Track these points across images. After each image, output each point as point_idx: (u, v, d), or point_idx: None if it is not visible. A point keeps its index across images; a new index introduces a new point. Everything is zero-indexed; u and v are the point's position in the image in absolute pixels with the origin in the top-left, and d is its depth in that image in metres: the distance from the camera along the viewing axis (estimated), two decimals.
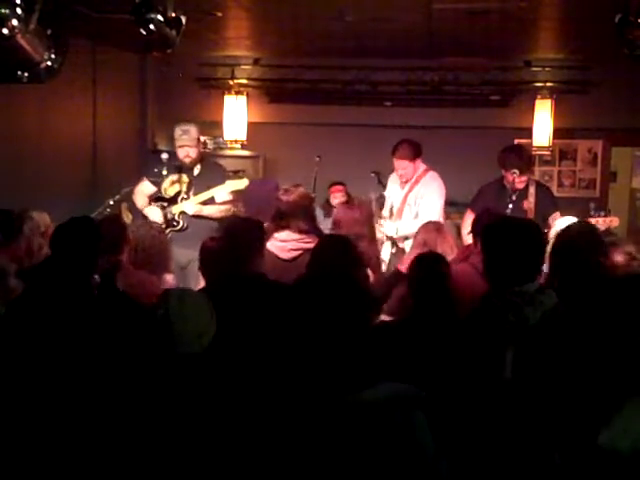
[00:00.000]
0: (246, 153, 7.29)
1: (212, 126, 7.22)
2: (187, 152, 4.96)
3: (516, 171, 4.77)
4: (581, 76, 6.73)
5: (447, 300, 2.83)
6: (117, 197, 4.95)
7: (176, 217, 4.97)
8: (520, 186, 4.85)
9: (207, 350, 2.30)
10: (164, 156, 5.13)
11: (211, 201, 4.95)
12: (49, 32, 3.86)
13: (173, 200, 5.00)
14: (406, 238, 4.72)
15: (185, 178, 5.01)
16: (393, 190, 5.09)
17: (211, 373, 2.24)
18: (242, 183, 4.90)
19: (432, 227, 3.99)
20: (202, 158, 5.14)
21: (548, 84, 6.87)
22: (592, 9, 4.55)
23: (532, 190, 4.91)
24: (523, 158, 4.84)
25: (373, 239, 4.05)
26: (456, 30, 5.51)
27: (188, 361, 2.22)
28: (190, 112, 7.47)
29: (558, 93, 6.86)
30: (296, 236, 3.70)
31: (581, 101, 6.86)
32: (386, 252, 4.86)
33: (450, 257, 3.59)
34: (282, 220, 3.74)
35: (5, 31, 3.33)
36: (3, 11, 3.28)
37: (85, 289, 2.78)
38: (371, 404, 1.72)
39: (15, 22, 3.34)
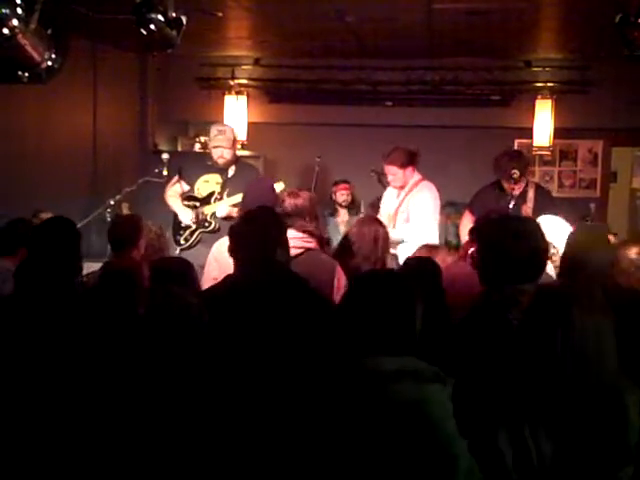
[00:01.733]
0: (246, 153, 7.29)
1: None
2: (221, 153, 4.82)
3: (516, 172, 4.75)
4: (581, 76, 6.73)
5: (437, 298, 2.84)
6: (118, 197, 4.91)
7: (208, 218, 4.85)
8: (518, 191, 4.84)
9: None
10: (165, 156, 5.09)
11: None
12: (49, 32, 3.86)
13: (206, 200, 4.88)
14: (397, 243, 4.71)
15: (219, 179, 4.90)
16: (389, 198, 5.08)
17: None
18: (277, 187, 4.72)
19: (424, 248, 3.93)
20: (237, 159, 5.01)
21: (548, 84, 6.87)
22: (592, 9, 4.56)
23: (531, 194, 4.90)
24: (520, 163, 4.83)
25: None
26: (456, 30, 5.52)
27: (201, 332, 2.28)
28: (190, 112, 7.49)
29: (558, 93, 6.86)
30: (299, 235, 3.68)
31: (581, 101, 6.86)
32: None
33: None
34: (287, 220, 3.73)
35: (5, 31, 3.33)
36: (3, 11, 3.28)
37: (67, 290, 2.76)
38: (388, 372, 1.76)
39: (15, 22, 3.35)
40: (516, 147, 7.00)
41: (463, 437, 1.78)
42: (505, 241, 2.40)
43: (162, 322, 2.31)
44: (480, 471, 1.78)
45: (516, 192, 4.81)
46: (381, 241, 3.89)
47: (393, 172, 4.88)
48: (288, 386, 1.95)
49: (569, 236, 3.23)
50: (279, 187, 4.47)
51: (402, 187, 4.92)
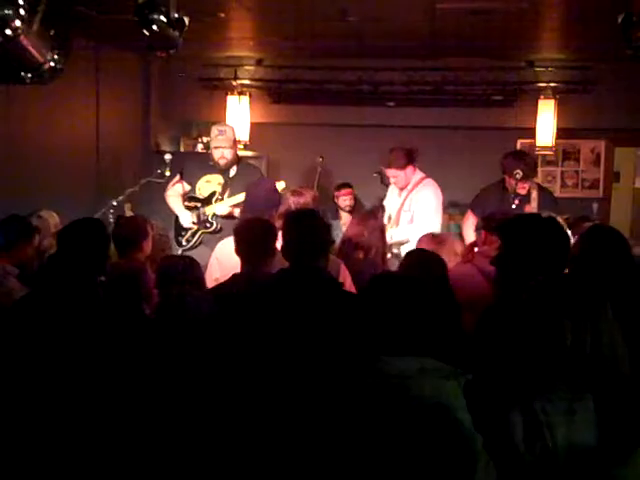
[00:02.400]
0: (249, 154, 7.29)
1: None
2: (222, 153, 4.83)
3: (519, 172, 4.75)
4: (584, 76, 6.72)
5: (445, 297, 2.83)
6: (120, 198, 4.91)
7: (209, 218, 4.85)
8: (523, 191, 4.85)
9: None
10: (167, 157, 5.09)
11: None
12: (52, 33, 3.87)
13: (207, 201, 4.88)
14: (401, 244, 4.71)
15: (220, 179, 4.89)
16: (391, 197, 5.10)
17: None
18: (279, 186, 4.54)
19: (432, 239, 3.76)
20: (239, 159, 5.01)
21: (551, 84, 6.86)
22: (595, 9, 4.55)
23: (535, 194, 4.91)
24: (526, 163, 4.84)
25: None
26: (458, 30, 5.51)
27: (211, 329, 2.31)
28: (193, 113, 7.50)
29: (561, 93, 6.85)
30: None
31: (584, 101, 6.85)
32: None
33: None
34: None
35: (8, 32, 3.33)
36: (6, 12, 3.29)
37: (90, 289, 2.77)
38: (411, 372, 1.80)
39: (18, 23, 3.35)
40: (519, 147, 7.00)
41: (477, 430, 1.81)
42: (537, 237, 2.43)
43: (173, 320, 2.31)
44: (493, 454, 1.81)
45: (521, 191, 4.82)
46: (377, 232, 3.90)
47: (395, 174, 4.95)
48: (310, 385, 1.97)
49: (584, 234, 3.25)
50: (280, 186, 4.48)
51: (405, 186, 4.95)
